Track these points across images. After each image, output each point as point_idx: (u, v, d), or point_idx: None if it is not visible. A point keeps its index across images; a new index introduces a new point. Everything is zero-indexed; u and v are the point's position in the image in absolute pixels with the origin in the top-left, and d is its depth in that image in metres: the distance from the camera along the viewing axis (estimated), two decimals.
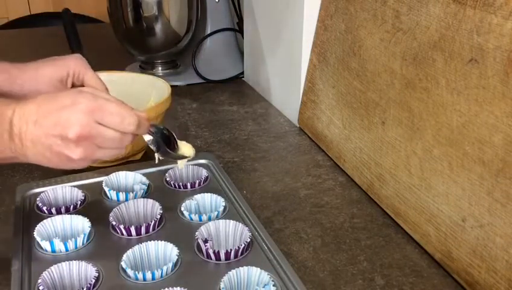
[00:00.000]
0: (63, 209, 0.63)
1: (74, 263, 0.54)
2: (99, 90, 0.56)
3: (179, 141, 0.63)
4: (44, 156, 0.51)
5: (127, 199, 0.66)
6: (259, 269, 0.52)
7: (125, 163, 0.78)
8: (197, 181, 0.70)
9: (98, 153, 0.53)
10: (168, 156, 0.61)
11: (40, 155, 0.51)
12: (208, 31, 1.19)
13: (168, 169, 0.73)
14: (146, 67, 1.22)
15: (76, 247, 0.57)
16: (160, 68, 1.22)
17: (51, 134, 0.50)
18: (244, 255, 0.56)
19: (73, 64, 0.64)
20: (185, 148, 0.64)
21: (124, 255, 0.54)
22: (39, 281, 0.51)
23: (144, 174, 0.70)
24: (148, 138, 0.58)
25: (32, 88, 0.62)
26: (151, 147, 0.59)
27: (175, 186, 0.70)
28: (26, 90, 0.62)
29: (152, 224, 0.60)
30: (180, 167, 0.67)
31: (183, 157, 0.63)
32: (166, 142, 0.61)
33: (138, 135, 0.55)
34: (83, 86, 0.64)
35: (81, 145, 0.51)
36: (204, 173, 0.72)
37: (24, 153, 0.51)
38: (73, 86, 0.64)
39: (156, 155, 0.61)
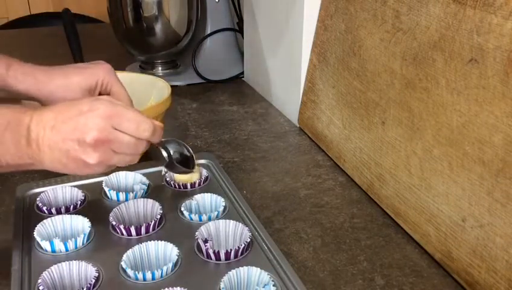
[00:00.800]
0: (63, 209, 0.63)
1: (74, 263, 0.54)
2: (118, 100, 0.57)
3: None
4: (61, 162, 0.52)
5: (127, 199, 0.66)
6: (259, 269, 0.52)
7: None
8: (197, 181, 0.70)
9: (114, 159, 0.54)
10: (174, 170, 0.64)
11: (57, 161, 0.52)
12: (208, 31, 1.20)
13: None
14: (146, 67, 1.22)
15: (76, 247, 0.57)
16: (160, 68, 1.22)
17: (68, 139, 0.51)
18: (244, 255, 0.56)
19: (103, 74, 0.64)
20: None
21: (124, 255, 0.54)
22: (39, 281, 0.51)
23: (143, 174, 0.70)
24: (164, 154, 0.61)
25: (60, 95, 0.62)
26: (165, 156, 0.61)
27: (175, 187, 0.70)
28: (54, 98, 0.62)
29: (152, 224, 0.60)
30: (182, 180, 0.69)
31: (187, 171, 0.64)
32: (183, 162, 0.63)
33: (152, 143, 0.57)
34: (108, 95, 0.65)
35: (98, 150, 0.51)
36: (204, 173, 0.72)
37: (41, 159, 0.52)
38: (100, 95, 0.65)
39: (163, 170, 0.63)
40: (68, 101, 0.54)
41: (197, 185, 0.70)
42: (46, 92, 0.62)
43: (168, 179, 0.71)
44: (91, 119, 0.51)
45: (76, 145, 0.51)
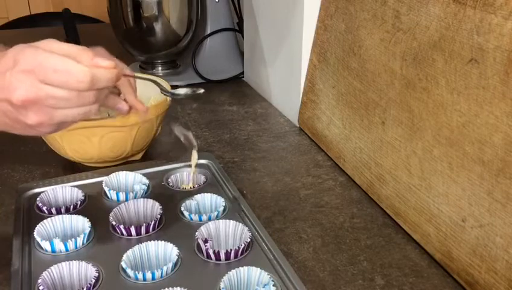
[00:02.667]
0: (63, 209, 0.63)
1: (74, 263, 0.54)
2: (52, 42, 0.48)
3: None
4: (6, 123, 0.48)
5: (127, 199, 0.66)
6: (259, 269, 0.52)
7: (125, 163, 0.79)
8: (197, 185, 0.71)
9: (58, 116, 0.47)
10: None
11: (3, 123, 0.48)
12: (208, 31, 1.20)
13: (168, 170, 0.73)
14: (146, 67, 1.22)
15: (76, 247, 0.57)
16: (160, 68, 1.22)
17: (0, 100, 0.46)
18: (244, 255, 0.56)
19: None
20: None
21: (124, 255, 0.54)
22: (39, 281, 0.51)
23: (143, 174, 0.70)
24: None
25: None
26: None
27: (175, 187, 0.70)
28: None
29: (152, 224, 0.60)
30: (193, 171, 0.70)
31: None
32: None
33: (107, 88, 0.49)
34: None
35: (32, 110, 0.46)
36: (202, 178, 0.72)
37: None
38: None
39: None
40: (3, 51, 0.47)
41: (196, 185, 0.70)
42: None
43: (168, 181, 0.71)
44: (15, 76, 0.45)
45: (9, 107, 0.46)
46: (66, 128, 0.50)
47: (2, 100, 0.45)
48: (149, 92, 0.83)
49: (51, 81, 0.45)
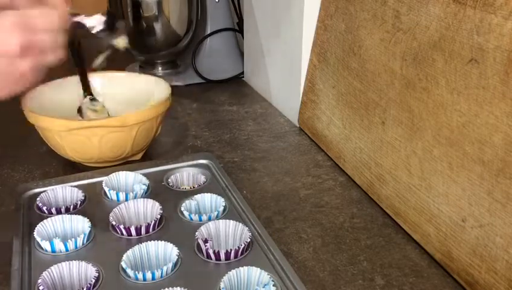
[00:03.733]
0: (63, 209, 0.63)
1: (74, 263, 0.54)
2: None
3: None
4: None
5: (127, 199, 0.66)
6: (259, 269, 0.52)
7: (125, 163, 0.79)
8: (197, 185, 0.71)
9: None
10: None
11: None
12: (208, 31, 1.19)
13: (168, 170, 0.73)
14: (146, 67, 1.22)
15: (76, 247, 0.57)
16: (160, 68, 1.22)
17: None
18: (244, 255, 0.56)
19: None
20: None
21: (124, 255, 0.54)
22: (39, 281, 0.51)
23: (143, 174, 0.70)
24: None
25: None
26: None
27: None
28: None
29: (152, 224, 0.60)
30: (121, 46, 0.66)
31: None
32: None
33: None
34: None
35: (27, 55, 0.51)
36: (202, 178, 0.72)
37: None
38: None
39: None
40: None
41: (196, 185, 0.70)
42: None
43: (169, 180, 0.71)
44: (4, 30, 0.50)
45: (4, 60, 0.50)
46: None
47: None
48: (149, 92, 0.84)
49: (39, 26, 0.51)
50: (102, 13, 0.65)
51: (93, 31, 0.64)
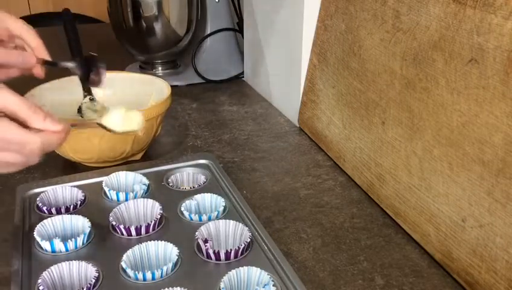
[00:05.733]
0: (63, 209, 0.63)
1: (74, 263, 0.54)
2: (6, 94, 0.48)
3: (127, 110, 0.60)
4: None
5: (127, 199, 0.66)
6: (259, 269, 0.52)
7: (125, 163, 0.79)
8: (197, 185, 0.71)
9: None
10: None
11: None
12: (208, 31, 1.19)
13: (168, 170, 0.73)
14: (146, 67, 1.22)
15: (76, 247, 0.57)
16: (160, 68, 1.22)
17: None
18: (244, 255, 0.56)
19: None
20: (132, 118, 0.61)
21: (124, 255, 0.54)
22: (39, 281, 0.51)
23: (143, 174, 0.70)
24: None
25: None
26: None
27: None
28: None
29: (152, 224, 0.60)
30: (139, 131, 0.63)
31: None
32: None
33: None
34: (12, 35, 0.62)
35: None
36: (202, 178, 0.72)
37: None
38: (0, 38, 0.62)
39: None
40: None
41: (196, 185, 0.70)
42: None
43: (169, 180, 0.71)
44: None
45: None
46: None
47: None
48: (149, 92, 0.84)
49: (4, 149, 0.48)
50: (85, 56, 0.65)
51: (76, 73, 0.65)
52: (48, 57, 0.63)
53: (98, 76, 0.63)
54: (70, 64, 0.63)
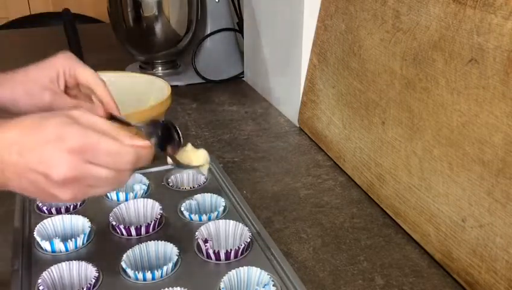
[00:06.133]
0: (63, 209, 0.63)
1: (74, 263, 0.54)
2: (88, 116, 0.47)
3: (192, 147, 0.60)
4: (30, 191, 0.46)
5: (127, 199, 0.66)
6: (259, 269, 0.52)
7: None
8: (197, 185, 0.71)
9: (91, 192, 0.47)
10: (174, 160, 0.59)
11: (25, 190, 0.46)
12: (208, 31, 1.20)
13: (168, 170, 0.73)
14: (146, 67, 1.22)
15: (76, 247, 0.57)
16: (160, 68, 1.22)
17: (34, 170, 0.43)
18: (244, 255, 0.56)
19: (61, 63, 0.62)
20: (199, 155, 0.61)
21: (124, 255, 0.54)
22: (39, 281, 0.51)
23: (143, 174, 0.70)
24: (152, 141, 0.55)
25: (22, 92, 0.60)
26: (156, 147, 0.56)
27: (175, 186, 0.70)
28: (17, 95, 0.60)
29: (152, 224, 0.60)
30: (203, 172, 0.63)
31: (189, 166, 0.60)
32: (168, 138, 0.59)
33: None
34: (77, 83, 0.63)
35: (69, 187, 0.44)
36: (202, 178, 0.72)
37: (9, 184, 0.45)
38: (67, 85, 0.63)
39: (168, 159, 0.58)
40: (35, 116, 0.46)
41: (197, 185, 0.70)
42: (8, 89, 0.60)
43: (169, 181, 0.71)
44: (58, 153, 0.43)
45: (43, 179, 0.43)
46: None
47: (38, 173, 0.43)
48: (149, 92, 0.83)
49: (99, 162, 0.45)
50: (158, 122, 0.63)
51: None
52: (117, 112, 0.61)
53: (175, 150, 0.59)
54: (143, 128, 0.59)
